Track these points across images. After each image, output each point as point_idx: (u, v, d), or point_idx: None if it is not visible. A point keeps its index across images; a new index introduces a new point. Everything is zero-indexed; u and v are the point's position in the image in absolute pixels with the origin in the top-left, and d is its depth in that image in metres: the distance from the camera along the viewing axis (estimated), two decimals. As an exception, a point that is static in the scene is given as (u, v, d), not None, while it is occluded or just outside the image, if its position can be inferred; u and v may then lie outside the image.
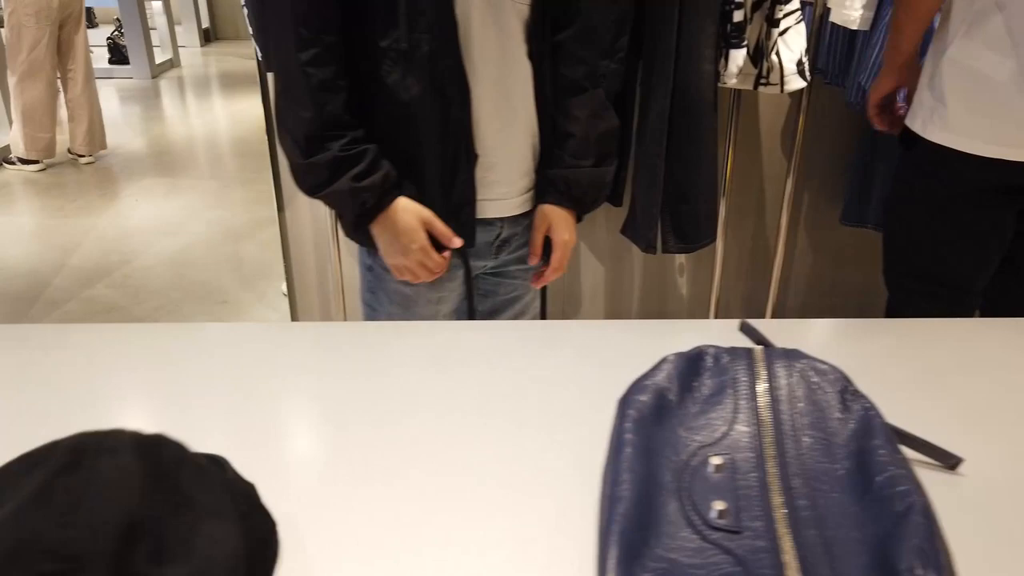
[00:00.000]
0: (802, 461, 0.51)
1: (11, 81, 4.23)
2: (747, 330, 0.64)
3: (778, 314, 2.50)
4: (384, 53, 1.08)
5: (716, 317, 2.44)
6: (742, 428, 0.54)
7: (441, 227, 1.16)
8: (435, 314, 1.28)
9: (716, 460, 0.51)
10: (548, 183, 1.23)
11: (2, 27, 4.18)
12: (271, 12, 1.09)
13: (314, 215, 2.41)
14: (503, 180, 1.21)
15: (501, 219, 1.24)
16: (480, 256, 1.27)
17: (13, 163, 4.43)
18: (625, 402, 0.55)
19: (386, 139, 1.12)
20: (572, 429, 0.66)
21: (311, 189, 1.14)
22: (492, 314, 1.40)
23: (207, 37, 8.82)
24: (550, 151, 1.23)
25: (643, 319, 1.10)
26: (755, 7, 1.77)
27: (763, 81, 1.83)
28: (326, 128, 1.08)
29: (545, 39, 1.16)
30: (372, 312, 1.31)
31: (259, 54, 2.09)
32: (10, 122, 4.43)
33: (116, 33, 6.97)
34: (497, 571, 0.51)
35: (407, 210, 1.13)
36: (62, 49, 4.36)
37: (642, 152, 1.88)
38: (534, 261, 1.29)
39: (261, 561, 0.53)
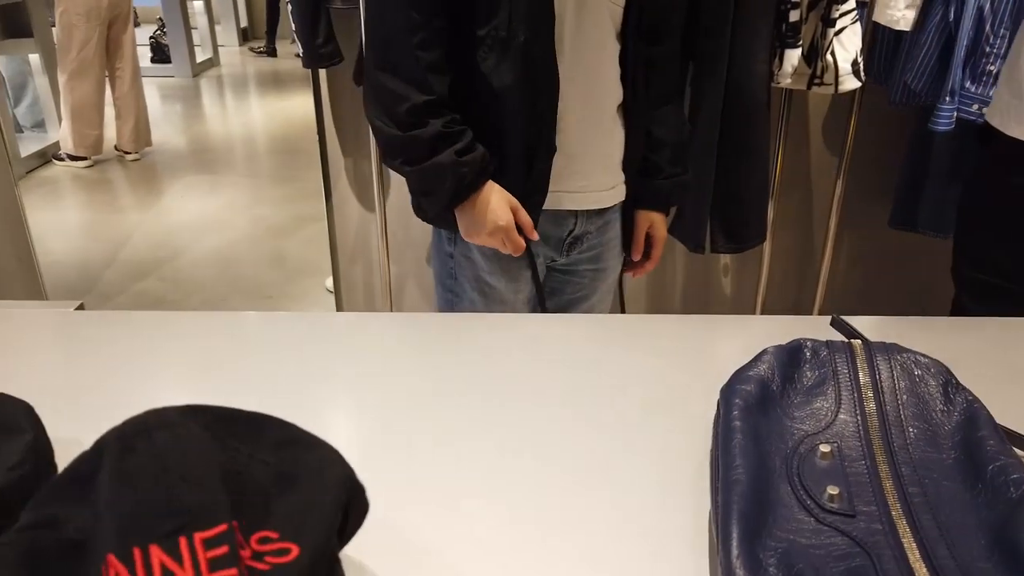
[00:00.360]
0: (909, 451, 0.52)
1: (61, 79, 4.33)
2: (839, 325, 0.65)
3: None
4: (481, 40, 1.12)
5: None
6: (846, 418, 0.55)
7: (525, 216, 1.20)
8: (513, 303, 1.32)
9: (824, 447, 0.52)
10: (652, 193, 1.34)
11: (54, 27, 4.29)
12: None
13: (360, 211, 2.44)
14: (582, 172, 1.24)
15: (575, 214, 1.27)
16: (550, 248, 1.30)
17: (62, 159, 4.54)
18: (730, 391, 0.57)
19: (473, 123, 1.16)
20: (669, 421, 0.67)
21: (408, 161, 1.16)
22: (558, 312, 1.42)
23: (245, 36, 8.96)
24: (641, 158, 1.30)
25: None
26: (811, 7, 1.77)
27: (817, 81, 1.82)
28: (430, 106, 1.12)
29: (639, 48, 1.20)
30: (452, 297, 1.35)
31: (301, 51, 2.14)
32: (59, 119, 4.55)
33: (158, 32, 7.11)
34: (608, 557, 0.53)
35: (497, 192, 1.17)
36: (110, 48, 4.46)
37: (693, 153, 1.89)
38: (637, 256, 1.39)
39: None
